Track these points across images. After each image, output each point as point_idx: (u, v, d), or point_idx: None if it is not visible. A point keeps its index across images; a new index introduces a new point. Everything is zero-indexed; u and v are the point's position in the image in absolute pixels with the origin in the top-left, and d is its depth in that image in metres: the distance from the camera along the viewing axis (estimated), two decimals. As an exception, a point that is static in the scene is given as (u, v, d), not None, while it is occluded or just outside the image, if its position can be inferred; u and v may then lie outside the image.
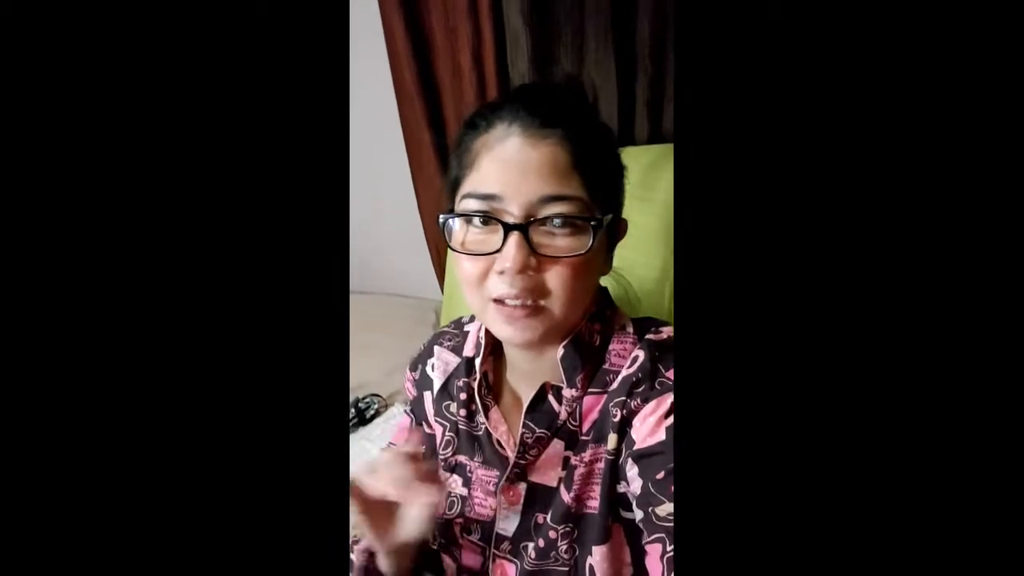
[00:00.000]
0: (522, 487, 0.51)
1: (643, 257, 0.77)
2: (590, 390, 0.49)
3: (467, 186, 0.45)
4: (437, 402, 0.58)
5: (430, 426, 0.59)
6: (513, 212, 0.43)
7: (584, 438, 0.49)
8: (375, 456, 0.55)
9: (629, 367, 0.48)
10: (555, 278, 0.43)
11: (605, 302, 0.53)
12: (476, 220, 0.44)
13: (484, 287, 0.45)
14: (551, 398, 0.50)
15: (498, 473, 0.52)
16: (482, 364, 0.54)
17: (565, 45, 0.94)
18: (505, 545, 0.52)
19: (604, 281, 0.53)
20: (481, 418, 0.53)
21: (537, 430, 0.50)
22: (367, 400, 1.09)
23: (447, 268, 1.11)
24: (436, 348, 0.59)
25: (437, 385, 0.58)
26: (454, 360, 0.57)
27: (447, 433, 0.57)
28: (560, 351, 0.48)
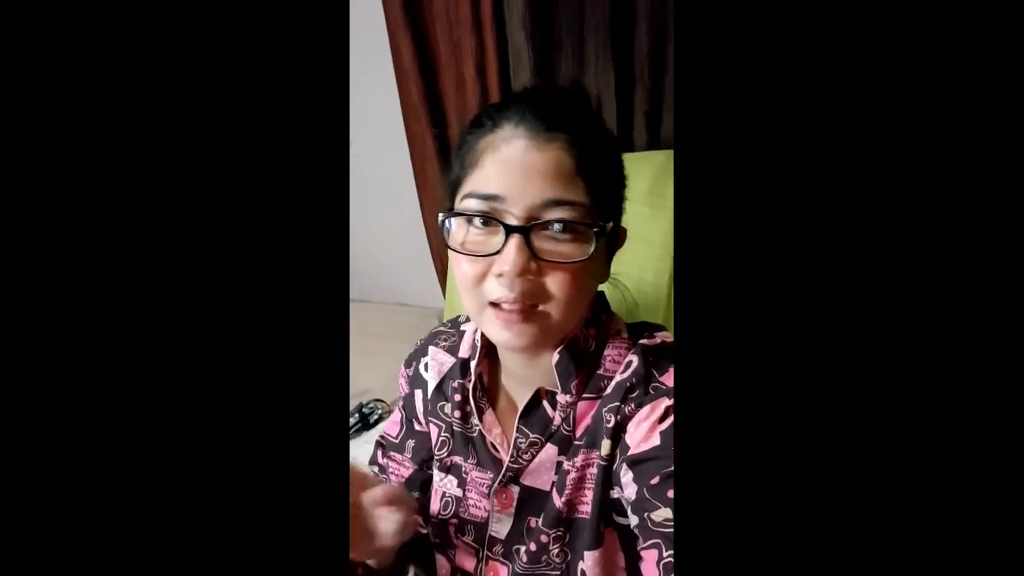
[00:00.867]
0: (515, 490, 0.51)
1: (652, 263, 0.77)
2: (584, 395, 0.49)
3: (469, 185, 0.44)
4: (432, 402, 0.57)
5: (420, 423, 0.59)
6: (515, 214, 0.42)
7: (577, 443, 0.49)
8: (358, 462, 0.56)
9: (623, 372, 0.48)
10: (554, 283, 0.43)
11: (601, 307, 0.52)
12: (477, 220, 0.43)
13: (482, 289, 0.44)
14: (545, 403, 0.50)
15: (492, 475, 0.52)
16: (477, 366, 0.53)
17: (566, 57, 0.95)
18: (498, 547, 0.51)
19: (601, 286, 0.53)
20: (475, 420, 0.53)
21: (531, 435, 0.50)
22: (371, 405, 1.11)
23: (448, 276, 1.12)
24: (431, 348, 0.59)
25: (431, 385, 0.57)
26: (449, 360, 0.57)
27: (442, 433, 0.56)
28: (555, 356, 0.48)
